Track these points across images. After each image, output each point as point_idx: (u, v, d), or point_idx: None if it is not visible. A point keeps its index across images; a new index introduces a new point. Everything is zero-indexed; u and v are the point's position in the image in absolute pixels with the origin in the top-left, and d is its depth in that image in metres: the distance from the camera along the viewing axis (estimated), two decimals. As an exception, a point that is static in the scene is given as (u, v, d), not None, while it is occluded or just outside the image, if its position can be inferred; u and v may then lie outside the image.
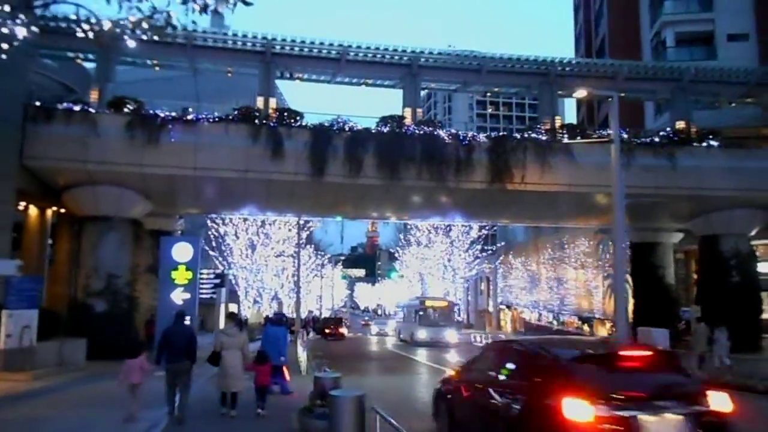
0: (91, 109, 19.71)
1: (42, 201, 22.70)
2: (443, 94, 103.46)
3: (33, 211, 23.78)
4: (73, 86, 25.04)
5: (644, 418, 5.17)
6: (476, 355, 8.32)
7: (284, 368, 12.82)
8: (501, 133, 23.02)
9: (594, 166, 22.23)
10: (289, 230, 41.08)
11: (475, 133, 22.44)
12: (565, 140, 22.50)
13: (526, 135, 22.85)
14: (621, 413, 5.14)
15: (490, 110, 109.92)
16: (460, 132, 22.28)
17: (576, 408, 5.13)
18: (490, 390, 6.49)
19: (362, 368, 20.43)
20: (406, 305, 38.25)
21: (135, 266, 22.00)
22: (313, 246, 57.06)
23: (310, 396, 8.91)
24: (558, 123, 24.11)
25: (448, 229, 42.56)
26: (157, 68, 24.55)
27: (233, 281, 38.25)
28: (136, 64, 23.80)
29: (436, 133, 21.99)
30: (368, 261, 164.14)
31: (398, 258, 69.58)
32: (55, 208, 23.94)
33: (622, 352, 6.22)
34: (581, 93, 18.99)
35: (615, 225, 20.31)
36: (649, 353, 6.19)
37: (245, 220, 36.96)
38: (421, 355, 26.11)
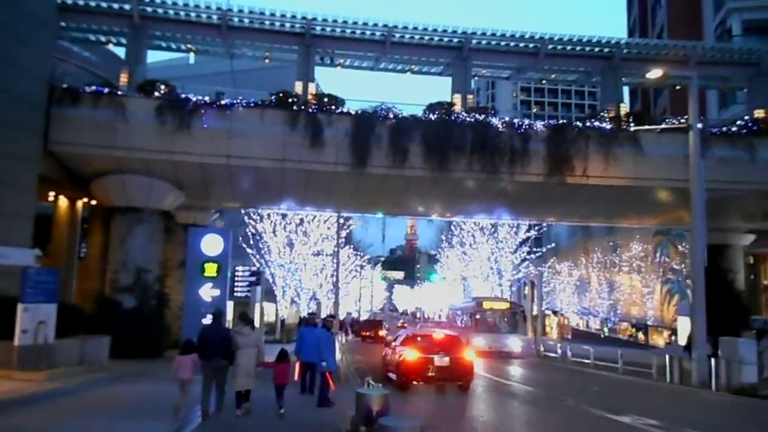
0: (119, 93, 18.54)
1: (71, 191, 21.77)
2: (486, 81, 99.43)
3: (63, 202, 22.91)
4: (105, 77, 24.11)
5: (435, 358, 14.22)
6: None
7: (328, 375, 11.20)
8: (560, 121, 20.85)
9: (663, 158, 20.14)
10: (328, 228, 39.64)
11: (532, 122, 20.40)
12: (633, 128, 20.18)
13: (587, 123, 20.69)
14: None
15: (535, 97, 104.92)
16: (515, 120, 20.29)
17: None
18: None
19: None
20: (459, 307, 34.38)
21: (166, 261, 20.83)
22: (352, 246, 55.59)
23: (351, 420, 7.21)
24: (623, 111, 21.85)
25: (494, 229, 40.18)
26: (191, 54, 23.34)
27: (270, 280, 36.99)
28: (170, 48, 22.64)
29: (488, 121, 20.10)
30: (407, 263, 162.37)
31: (439, 260, 67.50)
32: (85, 200, 23.03)
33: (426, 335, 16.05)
34: (656, 73, 16.89)
35: (694, 223, 18.11)
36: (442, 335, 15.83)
37: (284, 216, 35.64)
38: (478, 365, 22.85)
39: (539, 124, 20.34)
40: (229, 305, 43.87)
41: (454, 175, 19.68)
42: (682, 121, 19.35)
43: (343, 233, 37.86)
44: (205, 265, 14.80)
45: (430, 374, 14.22)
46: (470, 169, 19.58)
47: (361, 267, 62.56)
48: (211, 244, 14.78)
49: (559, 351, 26.68)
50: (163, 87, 18.90)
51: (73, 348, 15.58)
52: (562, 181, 20.01)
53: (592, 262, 50.29)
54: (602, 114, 21.30)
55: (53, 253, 23.33)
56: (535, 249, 42.54)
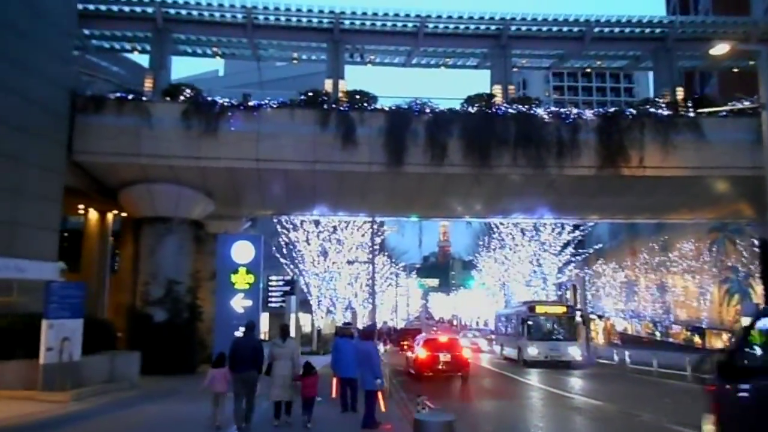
0: (144, 98, 17.80)
1: (101, 203, 21.17)
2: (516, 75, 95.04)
3: (93, 215, 22.38)
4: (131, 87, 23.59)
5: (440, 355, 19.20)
6: None
7: (379, 394, 10.00)
8: (611, 109, 19.29)
9: (727, 145, 18.51)
10: (363, 235, 38.55)
11: (581, 110, 18.91)
12: (693, 113, 18.50)
13: (641, 110, 19.11)
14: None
15: (568, 83, 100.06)
16: (562, 109, 18.83)
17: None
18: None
19: (463, 395, 16.65)
20: (509, 313, 31.67)
21: (197, 272, 19.96)
22: (387, 253, 54.32)
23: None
24: (679, 95, 20.16)
25: (536, 230, 38.26)
26: (218, 58, 22.58)
27: (305, 290, 36.02)
28: (195, 54, 21.90)
29: (532, 111, 18.69)
30: (441, 270, 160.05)
31: (476, 265, 65.54)
32: (115, 212, 22.46)
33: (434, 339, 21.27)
34: (721, 49, 15.19)
35: (770, 212, 16.36)
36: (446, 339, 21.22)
37: (317, 224, 34.67)
38: (532, 377, 21.03)
39: (588, 113, 18.85)
40: (264, 317, 43.24)
41: (497, 171, 18.32)
42: (748, 103, 17.65)
43: (378, 239, 36.67)
44: (236, 274, 13.72)
45: (438, 367, 19.13)
46: (515, 163, 18.20)
47: (397, 275, 61.20)
48: (242, 252, 13.72)
49: (617, 358, 24.76)
50: (188, 91, 18.10)
51: (101, 365, 14.73)
52: (616, 173, 18.45)
53: (639, 262, 47.81)
54: (657, 99, 19.65)
55: (85, 267, 22.81)
56: (579, 251, 40.56)
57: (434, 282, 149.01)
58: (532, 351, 24.55)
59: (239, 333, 12.20)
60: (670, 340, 47.17)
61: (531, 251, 38.32)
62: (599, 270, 51.74)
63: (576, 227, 37.43)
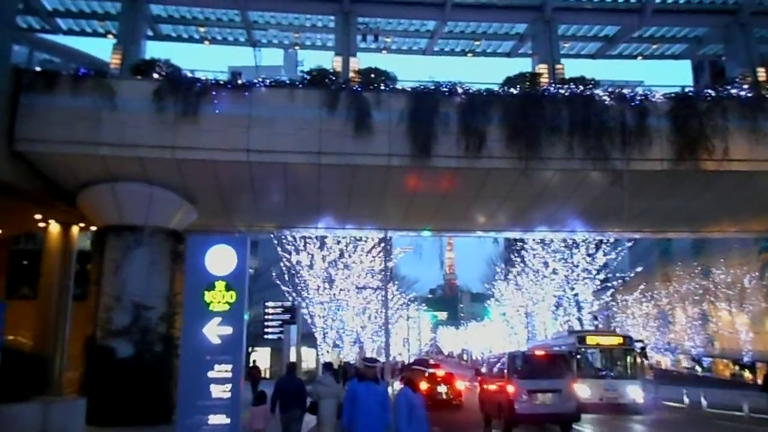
0: (107, 74, 14.33)
1: (62, 213, 17.46)
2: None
3: (54, 228, 18.64)
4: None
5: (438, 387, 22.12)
6: None
7: None
8: (686, 89, 15.68)
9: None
10: (371, 261, 34.69)
11: (648, 91, 15.32)
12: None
13: (721, 91, 15.52)
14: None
15: None
16: (625, 90, 15.24)
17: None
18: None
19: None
20: (551, 345, 26.67)
21: (174, 295, 16.09)
22: (396, 282, 50.29)
23: None
24: (762, 75, 16.63)
25: (568, 249, 34.04)
26: (206, 42, 19.20)
27: (308, 320, 32.01)
28: (180, 38, 18.56)
29: (589, 92, 15.10)
30: (448, 303, 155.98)
31: (489, 296, 61.37)
32: (82, 224, 18.79)
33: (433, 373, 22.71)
34: None
35: None
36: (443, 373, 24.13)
37: (322, 245, 30.81)
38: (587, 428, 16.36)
39: (658, 94, 15.24)
40: (264, 352, 38.93)
41: (549, 165, 14.64)
42: None
43: (389, 263, 32.77)
44: (212, 290, 9.75)
45: (438, 398, 21.03)
46: (570, 155, 14.53)
47: (408, 304, 57.14)
48: (220, 259, 9.71)
49: (687, 400, 20.46)
50: (164, 67, 14.61)
51: (29, 417, 10.84)
52: (696, 167, 14.75)
53: (673, 290, 43.55)
54: (737, 80, 16.07)
55: (42, 292, 19.06)
56: (609, 275, 36.40)
57: (442, 315, 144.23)
58: (583, 392, 19.95)
59: (215, 373, 8.59)
60: (709, 375, 42.74)
61: (563, 275, 34.12)
62: (620, 298, 47.43)
63: (610, 250, 33.26)
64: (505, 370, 15.63)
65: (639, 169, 14.90)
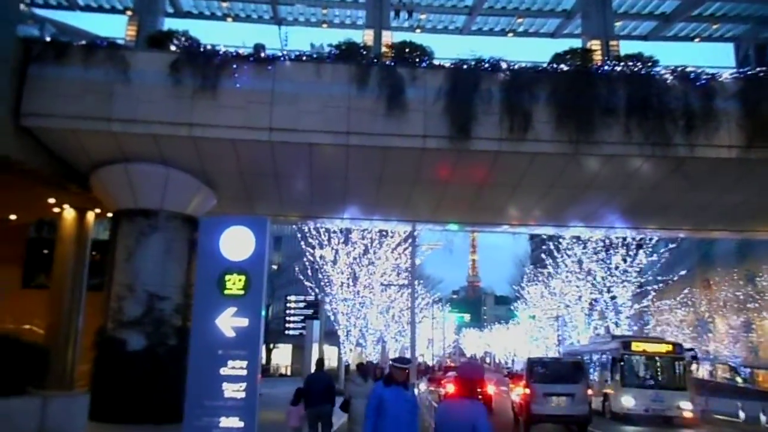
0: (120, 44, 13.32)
1: (77, 197, 16.51)
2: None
3: (69, 213, 17.75)
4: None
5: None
6: None
7: None
8: (756, 69, 14.07)
9: None
10: (396, 258, 33.43)
11: (715, 71, 13.76)
12: None
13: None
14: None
15: None
16: (688, 68, 13.67)
17: None
18: None
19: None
20: (584, 350, 25.44)
21: (190, 285, 15.01)
22: (421, 282, 48.99)
23: None
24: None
25: (605, 251, 32.29)
26: (229, 19, 18.13)
27: (332, 318, 30.88)
28: (201, 15, 17.53)
29: (648, 71, 13.60)
30: (471, 306, 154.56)
31: (514, 298, 59.78)
32: (98, 210, 17.87)
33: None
34: None
35: None
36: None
37: (346, 240, 29.66)
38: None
39: (725, 74, 13.67)
40: (287, 349, 37.89)
41: (604, 150, 13.17)
42: None
43: (417, 260, 31.48)
44: (226, 277, 8.45)
45: None
46: (628, 139, 13.04)
47: (432, 304, 55.77)
48: (236, 243, 8.43)
49: (742, 414, 18.69)
50: (183, 39, 13.54)
51: (26, 412, 9.83)
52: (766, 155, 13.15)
53: (712, 296, 41.35)
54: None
55: (56, 281, 18.21)
56: (645, 278, 34.51)
57: (465, 317, 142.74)
58: (627, 401, 18.38)
59: (228, 370, 7.48)
60: (751, 386, 40.42)
61: (600, 276, 32.35)
62: (660, 304, 45.33)
63: (651, 251, 31.42)
64: (525, 375, 17.84)
65: (704, 156, 13.33)
